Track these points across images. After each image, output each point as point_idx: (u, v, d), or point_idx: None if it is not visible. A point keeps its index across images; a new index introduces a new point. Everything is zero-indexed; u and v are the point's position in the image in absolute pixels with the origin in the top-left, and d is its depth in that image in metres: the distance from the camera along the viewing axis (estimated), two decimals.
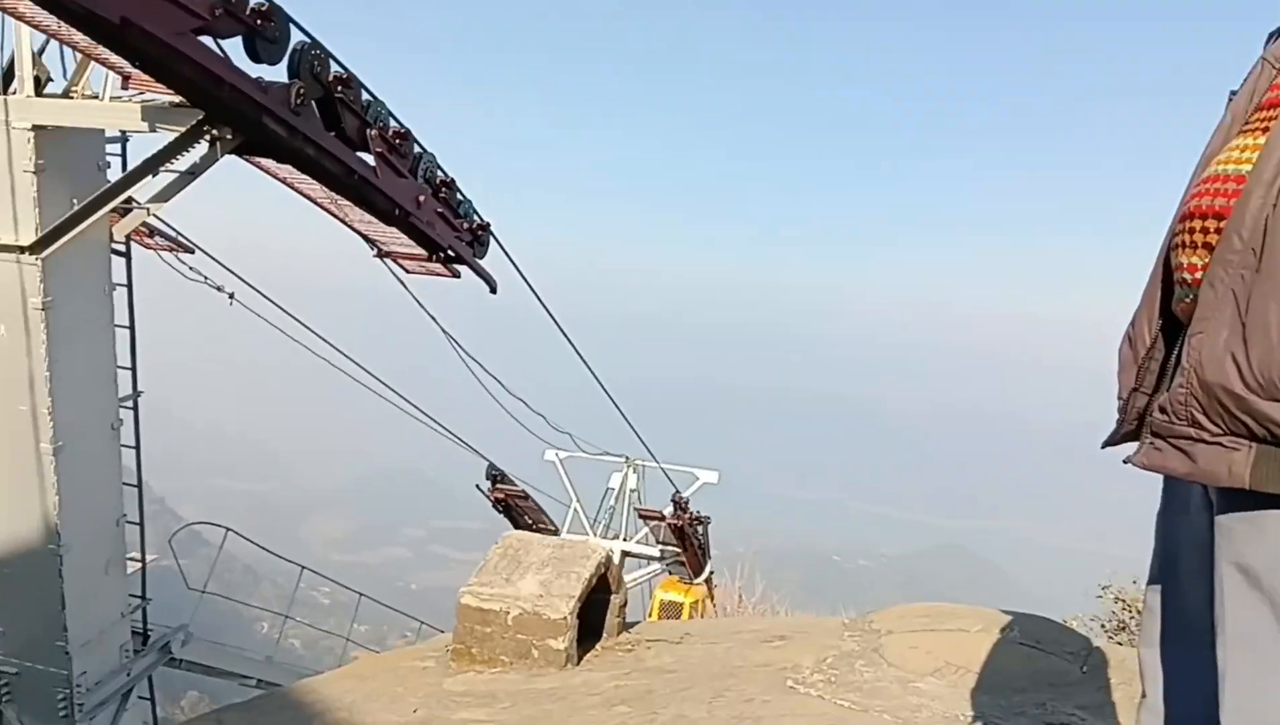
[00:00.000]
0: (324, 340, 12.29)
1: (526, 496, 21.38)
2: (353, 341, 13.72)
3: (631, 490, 23.02)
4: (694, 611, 20.51)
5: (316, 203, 8.47)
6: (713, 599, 20.71)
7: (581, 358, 14.41)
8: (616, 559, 22.05)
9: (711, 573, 21.53)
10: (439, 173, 8.46)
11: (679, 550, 21.55)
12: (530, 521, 22.65)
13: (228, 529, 14.82)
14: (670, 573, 23.36)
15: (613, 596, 7.44)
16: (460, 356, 12.89)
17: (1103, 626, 11.16)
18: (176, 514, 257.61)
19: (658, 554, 22.36)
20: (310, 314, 12.15)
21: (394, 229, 8.42)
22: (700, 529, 21.24)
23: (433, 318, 11.37)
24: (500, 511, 21.45)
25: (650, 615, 20.68)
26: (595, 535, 22.57)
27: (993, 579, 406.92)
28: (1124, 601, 11.11)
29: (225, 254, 11.07)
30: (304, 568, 17.00)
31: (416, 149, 8.02)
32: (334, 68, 6.63)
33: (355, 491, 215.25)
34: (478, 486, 20.58)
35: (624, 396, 17.61)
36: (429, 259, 9.67)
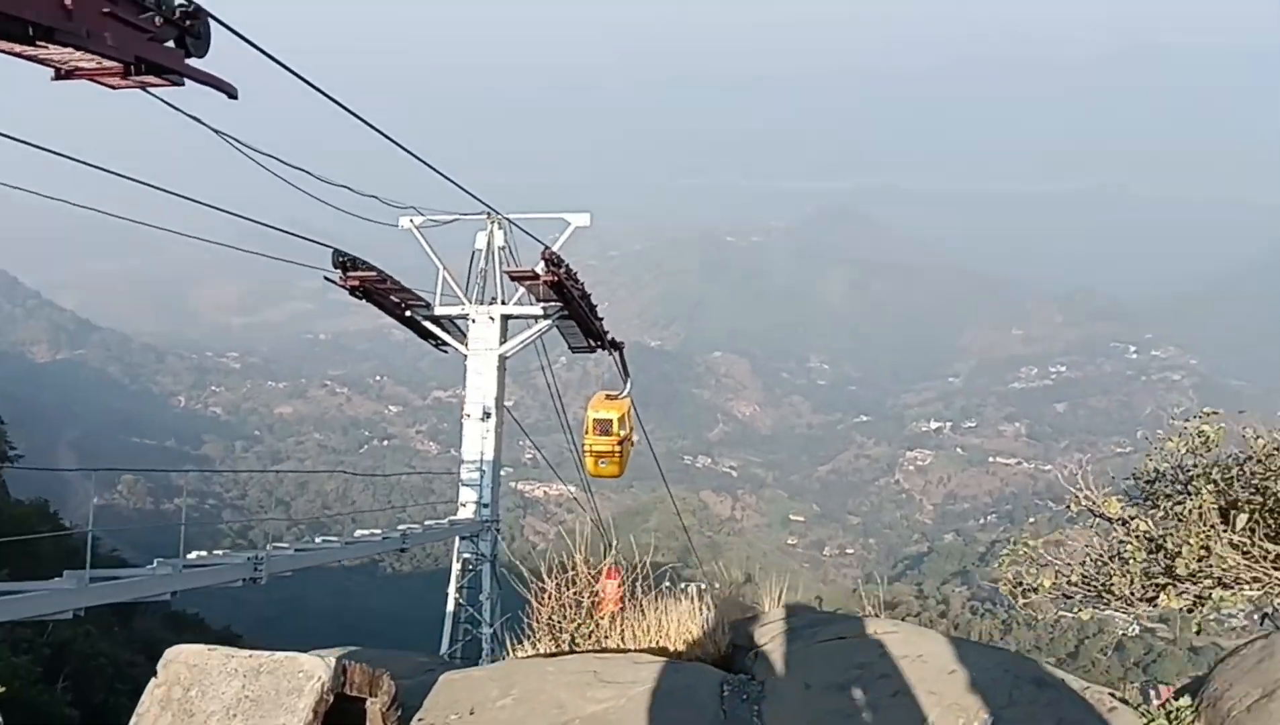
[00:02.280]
0: None
1: (384, 277, 19.22)
2: None
3: (500, 248, 20.99)
4: (622, 425, 22.00)
5: None
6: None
7: None
8: (498, 321, 20.50)
9: (630, 387, 23.41)
10: None
11: (561, 306, 20.05)
12: (398, 301, 20.67)
13: None
14: (566, 338, 22.19)
15: (371, 703, 5.37)
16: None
17: None
18: (56, 305, 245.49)
19: (541, 312, 20.77)
20: None
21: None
22: (579, 285, 19.58)
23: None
24: (360, 298, 19.35)
25: (585, 432, 22.19)
26: (471, 303, 20.77)
27: (880, 238, 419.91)
28: None
29: None
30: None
31: None
32: None
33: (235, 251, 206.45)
34: (326, 277, 18.29)
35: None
36: (125, 74, 6.86)
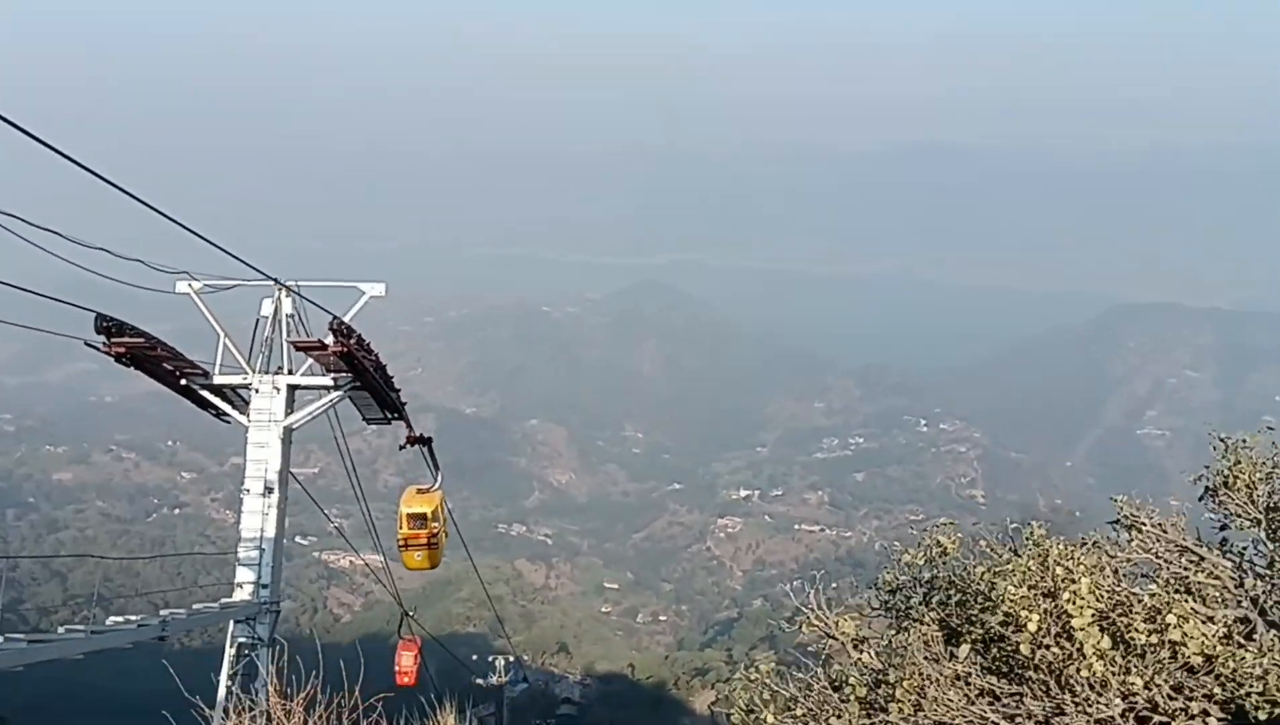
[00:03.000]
0: None
1: (154, 343, 18.13)
2: None
3: (289, 315, 20.26)
4: (435, 518, 22.65)
5: None
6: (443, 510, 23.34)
7: None
8: (283, 391, 19.74)
9: (441, 479, 24.30)
10: None
11: (353, 380, 19.51)
12: (171, 368, 19.53)
13: None
14: (359, 409, 21.62)
15: None
16: None
17: None
18: None
19: (331, 383, 20.12)
20: None
21: None
22: (373, 356, 19.15)
23: None
24: (127, 365, 18.14)
25: (399, 528, 22.40)
26: (255, 372, 19.89)
27: (691, 311, 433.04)
28: None
29: None
30: None
31: None
32: None
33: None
34: (88, 343, 17.07)
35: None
36: None
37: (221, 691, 18.28)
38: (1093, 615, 6.40)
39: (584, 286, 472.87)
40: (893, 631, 7.81)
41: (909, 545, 8.29)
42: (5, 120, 8.56)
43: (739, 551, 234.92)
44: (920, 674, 6.77)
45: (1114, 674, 6.13)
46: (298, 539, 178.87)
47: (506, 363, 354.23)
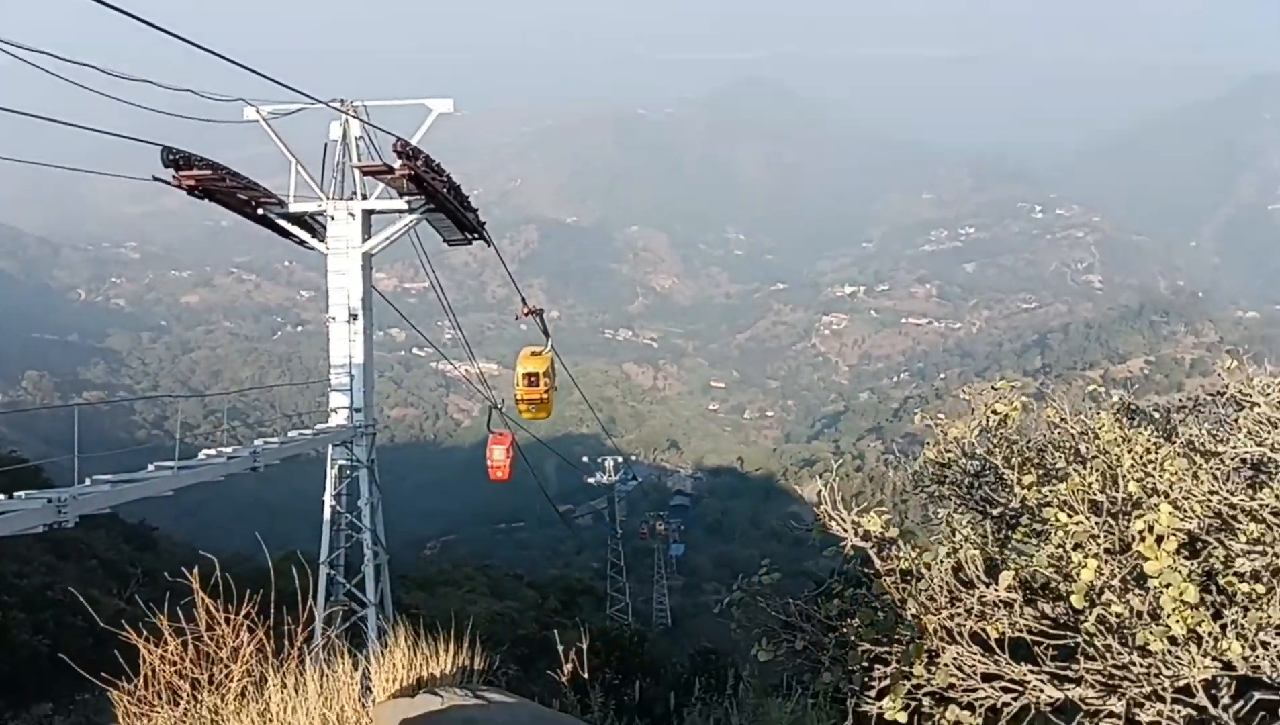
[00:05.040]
0: None
1: (224, 173, 17.80)
2: None
3: (358, 138, 19.60)
4: (547, 377, 25.53)
5: None
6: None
7: None
8: (358, 217, 19.41)
9: (551, 343, 26.83)
10: None
11: (426, 202, 18.94)
12: (246, 198, 19.27)
13: None
14: (439, 231, 21.21)
15: None
16: None
17: None
18: None
19: (405, 206, 19.61)
20: None
21: None
22: (444, 177, 18.44)
23: None
24: (200, 197, 17.93)
25: (516, 386, 25.68)
26: (329, 199, 19.49)
27: (793, 107, 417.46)
28: None
29: None
30: None
31: None
32: None
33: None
34: (155, 178, 16.84)
35: None
36: None
37: (327, 512, 18.97)
38: (1177, 548, 4.63)
39: (682, 87, 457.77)
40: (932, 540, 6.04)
41: (958, 414, 6.68)
42: None
43: (844, 347, 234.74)
44: (939, 611, 5.19)
45: (1205, 630, 4.34)
46: (414, 351, 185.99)
47: (606, 170, 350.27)
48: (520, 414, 26.56)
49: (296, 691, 4.54)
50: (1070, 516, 5.06)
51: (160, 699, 4.49)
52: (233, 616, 4.65)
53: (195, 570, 4.74)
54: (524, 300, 26.58)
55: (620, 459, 77.04)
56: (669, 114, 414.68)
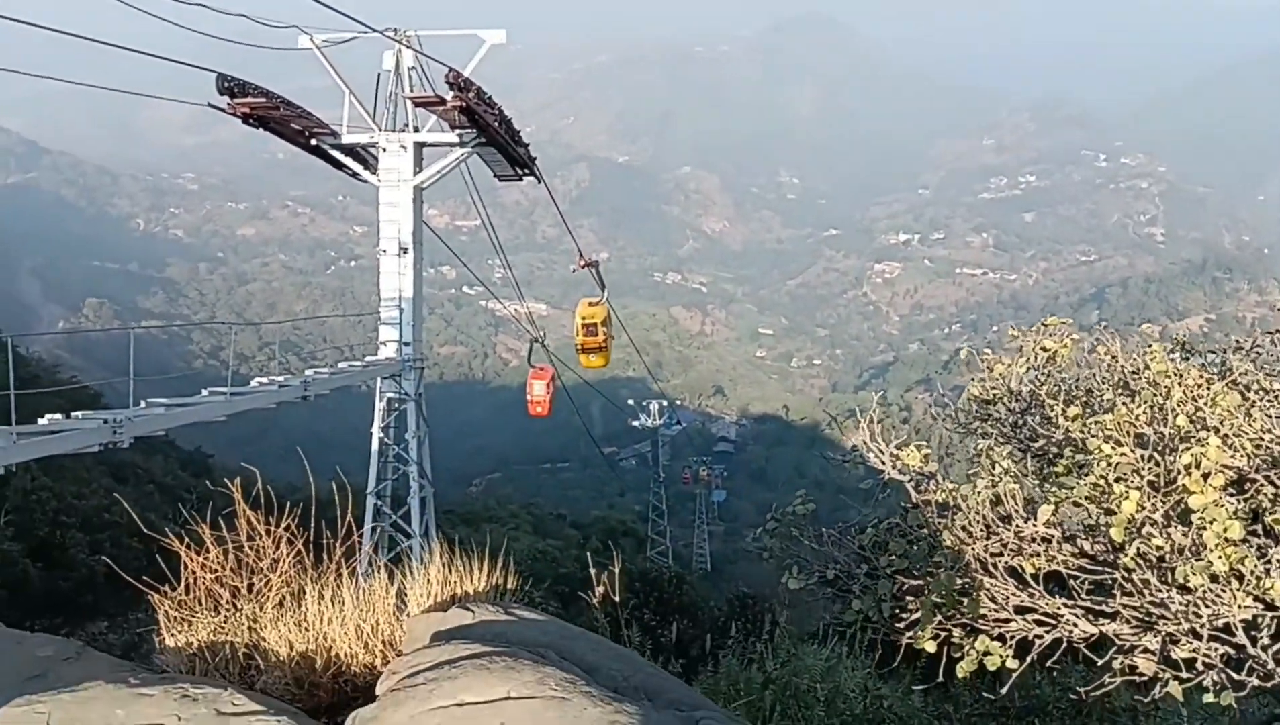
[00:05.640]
0: None
1: (278, 102, 17.90)
2: None
3: (410, 69, 19.55)
4: (605, 325, 26.84)
5: None
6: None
7: None
8: (410, 150, 19.43)
9: (607, 294, 27.53)
10: None
11: (478, 135, 18.90)
12: (299, 128, 19.39)
13: None
14: (490, 166, 21.18)
15: None
16: None
17: None
18: (2, 127, 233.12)
19: (456, 139, 19.59)
20: None
21: None
22: (496, 110, 18.37)
23: None
24: (255, 126, 18.09)
25: (575, 335, 27.06)
26: (381, 130, 19.54)
27: (849, 47, 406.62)
28: None
29: None
30: None
31: None
32: None
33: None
34: (211, 105, 16.98)
35: None
36: None
37: (375, 443, 19.33)
38: (1224, 484, 4.48)
39: (735, 23, 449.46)
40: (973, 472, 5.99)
41: (1007, 352, 6.55)
42: None
43: (896, 297, 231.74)
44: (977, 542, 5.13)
45: (1249, 567, 4.25)
46: (465, 289, 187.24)
47: (657, 108, 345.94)
48: (581, 362, 28.06)
49: (334, 604, 4.69)
50: (1115, 448, 4.95)
51: (200, 605, 4.70)
52: (273, 528, 4.83)
53: (237, 481, 4.90)
54: (580, 252, 27.22)
55: (665, 403, 77.35)
56: (722, 51, 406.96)
